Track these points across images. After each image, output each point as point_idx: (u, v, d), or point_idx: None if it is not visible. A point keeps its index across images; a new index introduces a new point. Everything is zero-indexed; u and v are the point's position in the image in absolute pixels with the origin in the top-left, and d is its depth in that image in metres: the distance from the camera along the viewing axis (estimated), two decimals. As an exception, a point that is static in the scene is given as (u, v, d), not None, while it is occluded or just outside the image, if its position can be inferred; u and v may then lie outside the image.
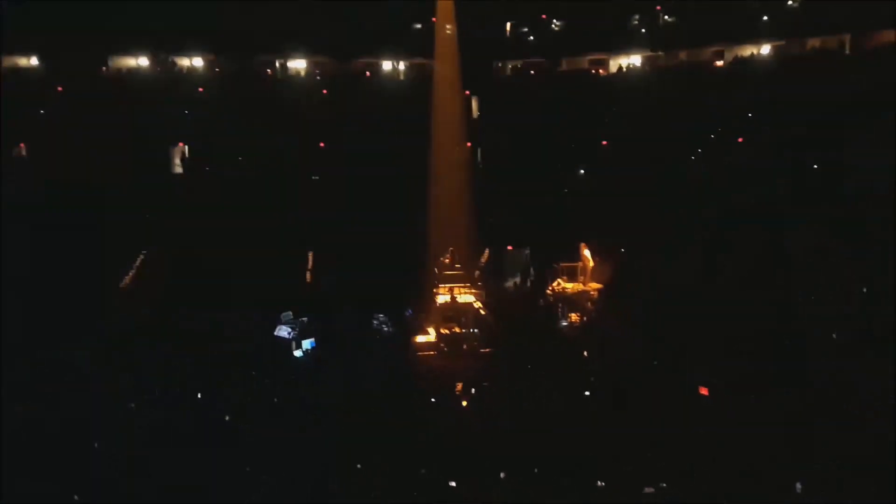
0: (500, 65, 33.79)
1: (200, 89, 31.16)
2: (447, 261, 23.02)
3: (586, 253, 23.02)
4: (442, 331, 21.05)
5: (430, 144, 26.43)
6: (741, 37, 31.10)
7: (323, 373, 18.57)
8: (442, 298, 22.24)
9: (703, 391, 16.77)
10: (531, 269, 23.69)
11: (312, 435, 15.46)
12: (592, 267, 22.92)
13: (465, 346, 20.60)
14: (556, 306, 22.08)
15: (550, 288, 23.07)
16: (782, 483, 13.50)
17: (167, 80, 31.73)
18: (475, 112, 30.62)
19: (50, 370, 17.40)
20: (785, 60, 30.37)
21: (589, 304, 22.30)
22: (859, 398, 15.79)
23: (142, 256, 22.47)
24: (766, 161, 25.75)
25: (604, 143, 29.34)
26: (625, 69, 32.91)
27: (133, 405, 16.48)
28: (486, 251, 23.86)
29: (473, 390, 17.62)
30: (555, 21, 33.13)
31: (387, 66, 33.14)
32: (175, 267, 22.86)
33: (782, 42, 30.72)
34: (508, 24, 33.22)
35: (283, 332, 19.92)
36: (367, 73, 32.90)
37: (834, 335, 18.32)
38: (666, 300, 20.05)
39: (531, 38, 33.47)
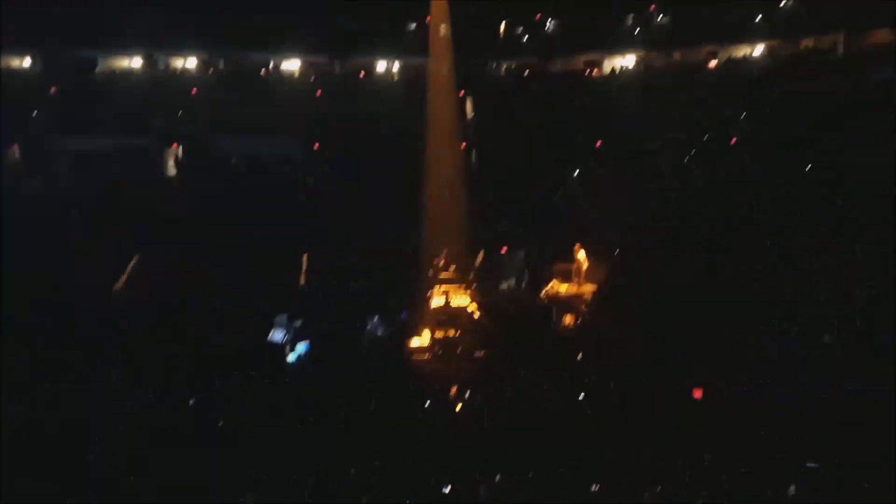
0: (494, 65, 33.78)
1: (194, 90, 31.09)
2: (441, 263, 23.00)
3: (581, 255, 23.01)
4: (436, 334, 21.02)
5: (424, 145, 26.38)
6: (735, 37, 31.10)
7: (317, 376, 18.54)
8: (436, 301, 22.22)
9: (697, 394, 16.81)
10: (526, 271, 23.66)
11: (306, 438, 15.46)
12: (587, 269, 22.92)
13: (459, 350, 20.58)
14: (550, 308, 22.08)
15: (545, 290, 23.07)
16: (782, 483, 13.51)
17: (160, 80, 31.66)
18: (470, 112, 30.61)
19: (49, 370, 17.40)
20: (778, 60, 30.38)
21: (583, 305, 22.31)
22: (859, 398, 15.82)
23: (135, 260, 22.36)
24: (761, 162, 25.78)
25: (598, 143, 29.36)
26: (619, 70, 32.92)
27: (127, 407, 16.46)
28: (481, 253, 23.85)
29: (468, 394, 17.63)
30: (549, 21, 33.08)
31: (381, 66, 33.09)
32: (169, 270, 22.84)
33: (776, 42, 30.71)
34: (503, 25, 33.17)
35: (277, 335, 19.86)
36: (362, 74, 32.86)
37: (834, 335, 18.40)
38: (662, 301, 20.07)
39: (525, 38, 33.42)
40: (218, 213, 26.32)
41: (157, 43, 31.03)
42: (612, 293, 21.80)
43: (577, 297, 22.56)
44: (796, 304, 19.63)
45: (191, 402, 16.78)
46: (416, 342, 20.97)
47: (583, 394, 17.26)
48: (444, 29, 27.22)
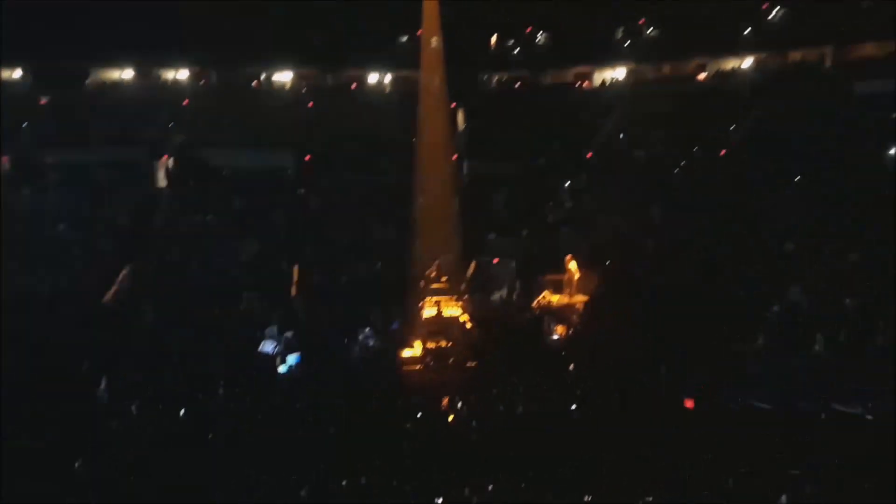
0: (486, 77, 33.96)
1: (185, 102, 31.11)
2: (433, 274, 22.99)
3: (572, 266, 23.06)
4: (428, 345, 20.99)
5: (415, 156, 26.45)
6: (724, 50, 31.40)
7: (309, 387, 18.47)
8: (428, 312, 22.19)
9: (689, 404, 16.83)
10: (517, 282, 23.68)
11: (297, 448, 15.39)
12: (578, 279, 22.96)
13: (451, 360, 20.55)
14: (542, 319, 22.09)
15: (536, 300, 23.09)
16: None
17: (151, 92, 31.67)
18: (461, 124, 30.73)
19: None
20: (767, 73, 30.68)
21: (575, 316, 22.32)
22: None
23: (125, 271, 22.27)
24: (750, 173, 25.97)
25: (588, 154, 29.52)
26: (609, 82, 33.16)
27: (115, 420, 16.39)
28: (473, 264, 23.86)
29: (460, 404, 17.59)
30: (540, 34, 33.32)
31: (373, 78, 33.20)
32: (159, 281, 22.78)
33: (764, 55, 31.03)
34: (494, 37, 33.37)
35: (268, 347, 19.79)
36: (354, 86, 32.96)
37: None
38: (653, 310, 20.10)
39: (517, 51, 33.64)
40: (208, 224, 26.31)
41: (149, 54, 31.06)
42: (603, 303, 21.81)
43: (569, 308, 22.55)
44: (787, 313, 19.76)
45: (181, 413, 16.68)
46: (407, 353, 20.90)
47: (575, 404, 17.24)
48: (435, 41, 27.32)
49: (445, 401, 17.67)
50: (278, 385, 18.73)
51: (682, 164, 27.76)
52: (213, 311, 21.12)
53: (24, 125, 28.73)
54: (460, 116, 30.65)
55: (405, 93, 30.77)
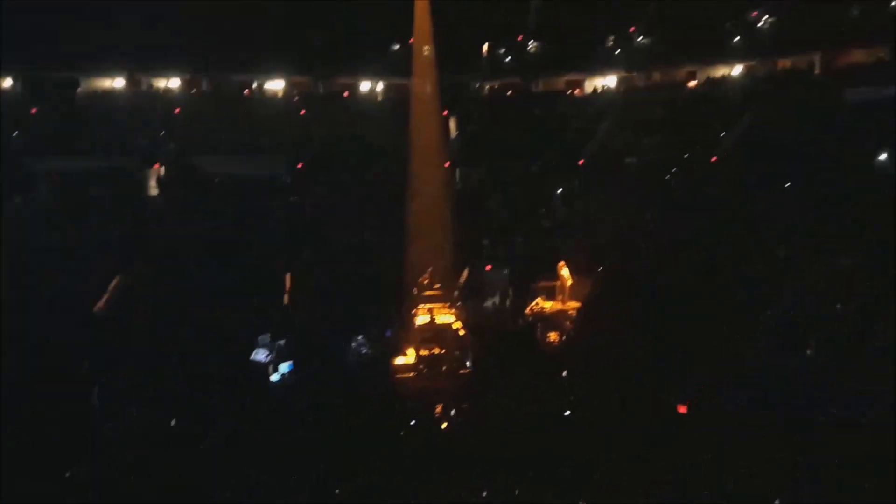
0: (478, 85, 34.06)
1: (177, 110, 31.08)
2: (426, 281, 22.99)
3: (565, 272, 23.10)
4: (421, 352, 20.97)
5: (407, 164, 26.48)
6: (714, 57, 31.61)
7: (302, 395, 18.43)
8: (421, 319, 22.18)
9: (682, 409, 16.85)
10: (510, 289, 23.70)
11: (291, 456, 15.35)
12: (571, 286, 23.00)
13: (444, 367, 20.54)
14: (535, 325, 22.11)
15: (529, 307, 23.11)
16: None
17: (143, 100, 31.64)
18: (453, 132, 30.79)
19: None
20: (757, 80, 30.90)
21: (568, 322, 22.36)
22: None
23: (117, 279, 22.20)
24: (740, 180, 26.09)
25: (580, 161, 29.60)
26: (600, 90, 33.30)
27: (108, 429, 16.32)
28: (466, 271, 23.88)
29: (454, 411, 17.57)
30: (531, 42, 33.45)
31: (365, 86, 33.26)
32: (152, 288, 22.70)
33: (754, 62, 31.25)
34: (486, 45, 33.50)
35: (260, 355, 19.73)
36: (346, 94, 32.99)
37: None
38: (647, 316, 20.14)
39: (508, 58, 33.76)
40: (201, 232, 26.23)
41: (140, 63, 31.04)
42: (598, 307, 21.85)
43: (562, 314, 22.59)
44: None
45: (172, 422, 16.61)
46: (401, 360, 20.91)
47: (568, 410, 17.24)
48: (427, 49, 27.42)
49: (439, 408, 17.68)
50: (270, 393, 18.67)
51: (674, 170, 27.88)
52: (206, 320, 21.04)
53: (14, 134, 28.63)
54: (452, 123, 30.71)
55: (397, 100, 30.86)
